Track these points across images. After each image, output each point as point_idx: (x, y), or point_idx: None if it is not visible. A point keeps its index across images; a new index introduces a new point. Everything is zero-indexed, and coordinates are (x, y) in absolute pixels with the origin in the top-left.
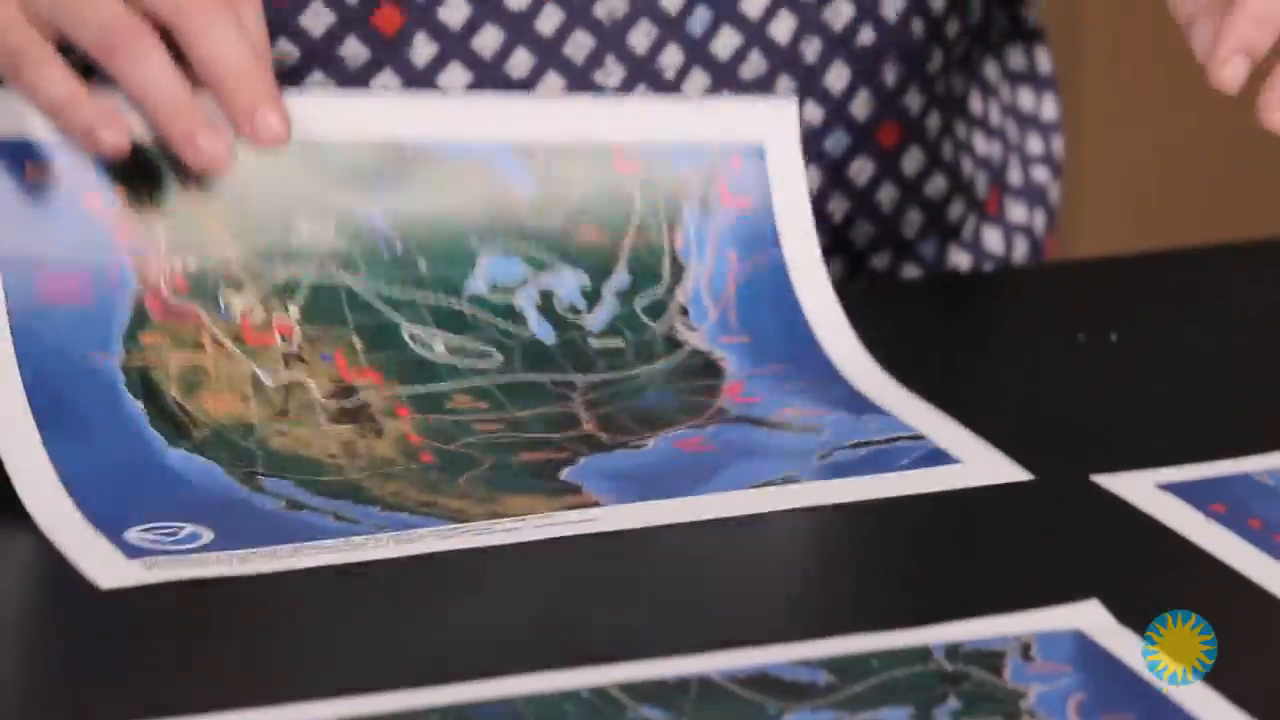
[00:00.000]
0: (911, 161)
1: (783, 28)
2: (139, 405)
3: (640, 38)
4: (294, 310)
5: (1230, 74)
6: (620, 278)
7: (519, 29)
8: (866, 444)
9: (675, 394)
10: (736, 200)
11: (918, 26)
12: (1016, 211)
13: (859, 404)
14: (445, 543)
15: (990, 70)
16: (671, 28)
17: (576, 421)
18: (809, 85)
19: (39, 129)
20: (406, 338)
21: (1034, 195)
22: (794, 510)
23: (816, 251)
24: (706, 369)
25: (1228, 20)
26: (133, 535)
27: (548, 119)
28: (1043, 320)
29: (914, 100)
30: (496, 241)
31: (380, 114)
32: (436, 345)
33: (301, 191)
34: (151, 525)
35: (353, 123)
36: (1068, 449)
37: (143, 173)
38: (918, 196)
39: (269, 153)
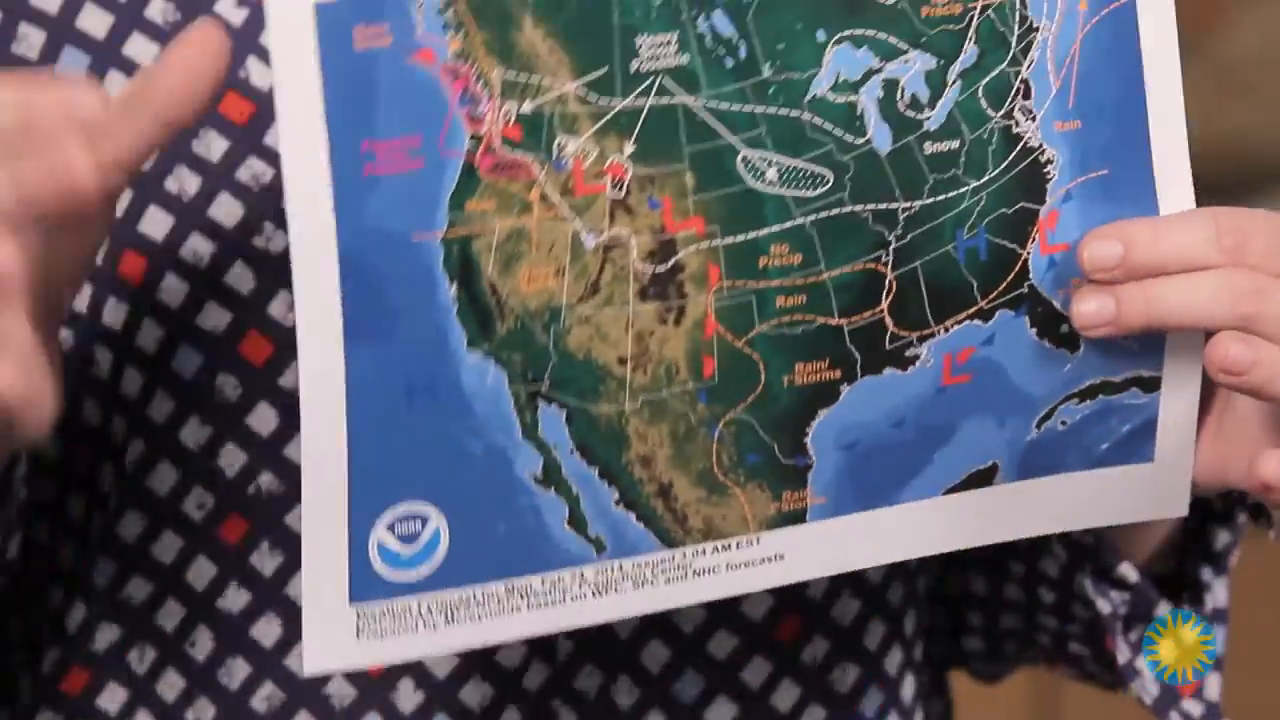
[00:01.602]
0: None
1: None
2: (452, 291)
3: None
4: (628, 146)
5: None
6: (967, 54)
7: None
8: (1097, 391)
9: (988, 241)
10: None
11: None
12: None
13: None
14: (627, 604)
15: None
16: None
17: (877, 292)
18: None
19: None
20: (739, 165)
21: None
22: None
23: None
24: (1031, 184)
25: None
26: (375, 541)
27: None
28: None
29: None
30: (846, 27)
31: None
32: (769, 171)
33: (639, 6)
34: (399, 518)
35: None
36: None
37: (481, 13)
38: None
39: None
